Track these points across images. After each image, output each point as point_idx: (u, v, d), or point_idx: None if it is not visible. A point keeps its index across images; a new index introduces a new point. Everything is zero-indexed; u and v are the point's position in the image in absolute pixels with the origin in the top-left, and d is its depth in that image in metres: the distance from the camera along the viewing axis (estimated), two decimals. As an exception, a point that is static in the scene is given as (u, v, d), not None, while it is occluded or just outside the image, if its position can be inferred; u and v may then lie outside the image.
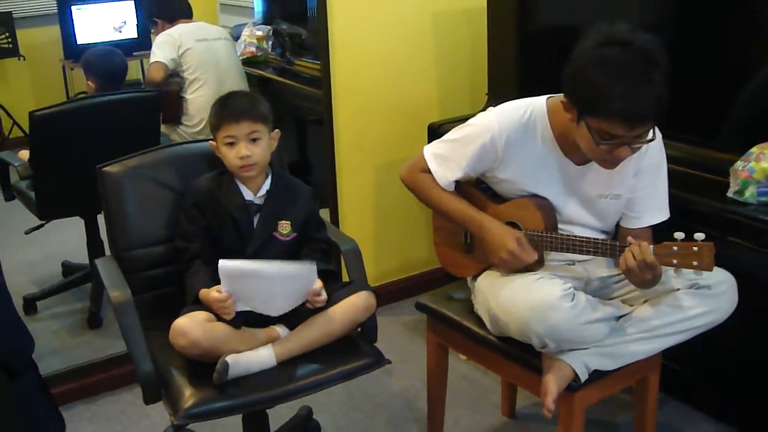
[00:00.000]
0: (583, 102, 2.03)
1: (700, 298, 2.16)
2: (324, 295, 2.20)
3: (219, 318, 2.15)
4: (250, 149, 2.28)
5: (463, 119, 2.39)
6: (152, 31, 4.10)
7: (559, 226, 2.27)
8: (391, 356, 2.29)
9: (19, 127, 4.13)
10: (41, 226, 3.50)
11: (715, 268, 2.03)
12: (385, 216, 3.62)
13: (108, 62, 3.67)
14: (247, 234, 2.30)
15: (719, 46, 2.59)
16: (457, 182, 2.36)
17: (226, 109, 2.31)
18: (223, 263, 2.09)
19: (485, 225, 2.27)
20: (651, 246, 2.05)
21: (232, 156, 2.29)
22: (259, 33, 4.50)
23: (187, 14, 4.08)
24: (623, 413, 2.82)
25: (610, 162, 2.10)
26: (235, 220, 2.30)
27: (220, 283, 2.18)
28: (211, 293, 2.14)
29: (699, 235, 1.99)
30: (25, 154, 3.33)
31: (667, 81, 1.97)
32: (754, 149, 2.38)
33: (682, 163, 2.56)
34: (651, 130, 2.03)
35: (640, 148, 2.07)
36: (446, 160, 2.33)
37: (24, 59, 4.13)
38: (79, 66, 3.79)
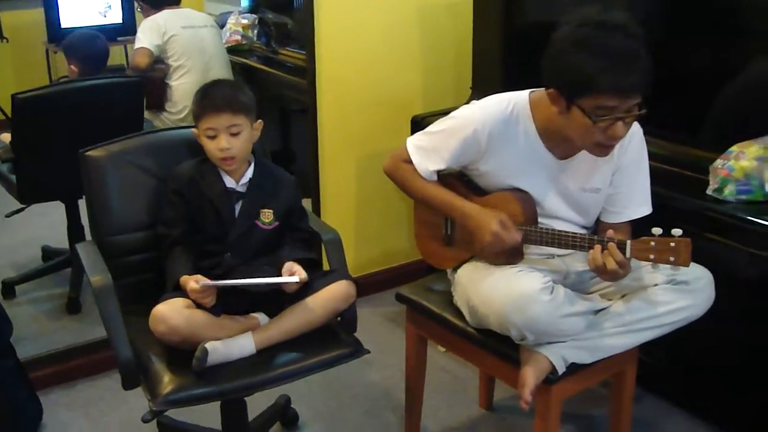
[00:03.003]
0: (571, 86, 2.03)
1: (677, 294, 2.17)
2: (302, 273, 2.20)
3: (199, 305, 2.15)
4: (230, 142, 2.27)
5: (447, 112, 2.39)
6: (138, 10, 4.08)
7: (540, 219, 2.28)
8: (371, 347, 2.30)
9: (0, 109, 4.11)
10: (22, 209, 3.49)
11: (693, 264, 2.05)
12: (367, 207, 3.63)
13: (90, 46, 3.66)
14: (228, 221, 2.30)
15: (700, 46, 2.61)
16: (439, 174, 2.36)
17: (207, 99, 2.29)
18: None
19: (466, 210, 2.27)
20: (628, 241, 2.06)
21: (212, 147, 2.28)
22: (245, 21, 4.50)
23: (173, 0, 4.06)
24: (600, 406, 2.84)
25: (605, 145, 2.09)
26: (216, 207, 2.30)
27: (200, 270, 2.19)
28: (189, 284, 2.14)
29: (676, 231, 2.00)
30: (6, 137, 3.31)
31: (647, 50, 1.98)
32: (733, 148, 2.40)
33: (662, 161, 2.58)
34: (639, 104, 2.03)
35: (632, 124, 2.07)
36: (428, 152, 2.33)
37: (7, 41, 4.10)
38: (61, 49, 3.77)
